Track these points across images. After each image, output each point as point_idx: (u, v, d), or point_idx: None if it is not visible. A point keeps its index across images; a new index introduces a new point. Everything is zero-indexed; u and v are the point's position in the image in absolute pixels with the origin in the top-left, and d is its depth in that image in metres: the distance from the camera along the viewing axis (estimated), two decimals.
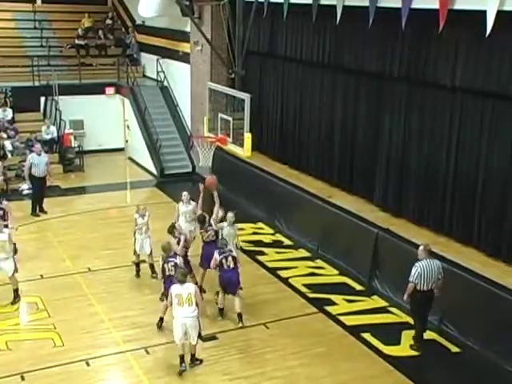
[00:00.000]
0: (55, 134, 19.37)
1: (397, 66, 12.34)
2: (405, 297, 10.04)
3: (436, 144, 11.78)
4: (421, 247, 10.05)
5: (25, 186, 16.73)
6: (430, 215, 12.06)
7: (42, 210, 15.78)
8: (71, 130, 20.04)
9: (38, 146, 16.07)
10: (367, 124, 13.48)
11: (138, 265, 12.22)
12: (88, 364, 9.47)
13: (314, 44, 14.63)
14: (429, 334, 10.33)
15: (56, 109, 20.02)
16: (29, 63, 20.40)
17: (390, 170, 12.94)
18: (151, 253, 12.08)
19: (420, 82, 11.96)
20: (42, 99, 20.41)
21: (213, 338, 10.25)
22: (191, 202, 12.28)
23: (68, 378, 9.17)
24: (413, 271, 9.78)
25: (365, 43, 12.97)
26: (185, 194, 12.32)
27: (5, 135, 18.46)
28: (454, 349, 10.14)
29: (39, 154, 15.62)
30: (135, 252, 12.11)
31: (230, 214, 11.48)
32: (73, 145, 19.84)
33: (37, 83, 20.28)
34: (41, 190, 15.85)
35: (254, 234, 14.92)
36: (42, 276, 12.26)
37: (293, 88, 15.92)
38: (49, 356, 9.63)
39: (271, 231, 15.08)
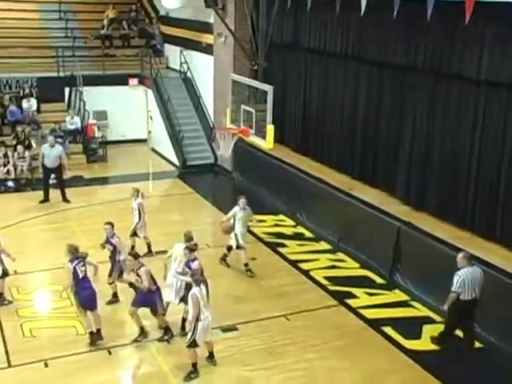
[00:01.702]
0: (79, 125, 19.57)
1: (421, 58, 12.22)
2: (445, 306, 9.64)
3: (460, 137, 11.66)
4: (460, 255, 9.63)
5: None
6: (453, 209, 11.95)
7: (48, 200, 16.02)
8: (95, 121, 20.22)
9: (51, 138, 16.36)
10: (390, 116, 13.38)
11: (133, 247, 12.56)
12: (110, 352, 9.58)
13: (338, 36, 14.55)
14: None
15: (80, 99, 20.18)
16: (53, 54, 20.57)
17: (412, 164, 12.84)
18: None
19: (445, 74, 11.83)
20: (67, 90, 20.58)
21: (233, 328, 10.30)
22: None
23: (90, 366, 9.29)
24: (455, 280, 9.40)
25: (389, 35, 12.85)
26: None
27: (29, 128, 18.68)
28: (477, 344, 10.04)
29: (52, 146, 15.97)
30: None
31: (242, 199, 12.06)
32: (96, 135, 20.02)
33: (61, 74, 20.44)
34: (46, 180, 16.15)
35: (276, 225, 14.93)
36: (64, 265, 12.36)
37: (316, 80, 15.86)
38: (71, 344, 9.76)
39: (292, 223, 15.08)
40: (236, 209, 12.15)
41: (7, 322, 10.40)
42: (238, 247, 12.22)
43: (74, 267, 9.49)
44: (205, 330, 8.87)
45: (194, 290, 8.74)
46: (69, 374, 9.09)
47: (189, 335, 8.84)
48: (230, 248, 12.42)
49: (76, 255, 9.61)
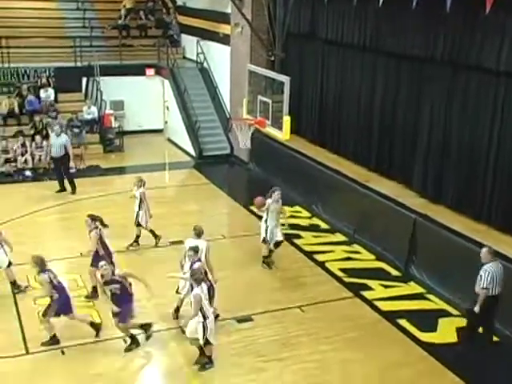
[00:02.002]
0: (96, 115, 19.68)
1: (440, 50, 12.10)
2: (476, 307, 9.30)
3: (478, 129, 11.55)
4: (484, 250, 9.45)
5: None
6: (470, 202, 11.86)
7: (64, 190, 16.08)
8: (112, 111, 20.31)
9: (57, 127, 16.41)
10: (407, 108, 13.29)
11: (138, 237, 12.88)
12: (125, 341, 9.62)
13: (355, 26, 14.45)
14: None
15: (97, 89, 20.29)
16: (71, 44, 20.67)
17: (429, 156, 12.76)
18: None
19: (463, 65, 11.71)
20: (84, 80, 20.68)
21: (248, 319, 10.33)
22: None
23: (106, 353, 9.39)
24: (484, 276, 9.18)
25: (407, 26, 12.73)
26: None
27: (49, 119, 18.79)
28: (493, 338, 9.97)
29: (58, 135, 16.02)
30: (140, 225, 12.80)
31: (277, 191, 11.92)
32: (113, 125, 20.11)
33: (79, 64, 20.56)
34: (58, 170, 16.21)
35: (291, 217, 14.88)
36: (81, 254, 12.45)
37: (333, 71, 15.79)
38: (88, 332, 9.82)
39: (308, 215, 15.07)
40: (269, 201, 11.99)
41: (24, 309, 10.52)
42: (263, 241, 12.11)
43: (49, 277, 9.39)
44: (214, 329, 8.91)
45: (196, 290, 8.74)
46: (85, 362, 9.20)
47: (200, 336, 8.83)
48: (277, 244, 12.20)
49: (44, 267, 9.46)
